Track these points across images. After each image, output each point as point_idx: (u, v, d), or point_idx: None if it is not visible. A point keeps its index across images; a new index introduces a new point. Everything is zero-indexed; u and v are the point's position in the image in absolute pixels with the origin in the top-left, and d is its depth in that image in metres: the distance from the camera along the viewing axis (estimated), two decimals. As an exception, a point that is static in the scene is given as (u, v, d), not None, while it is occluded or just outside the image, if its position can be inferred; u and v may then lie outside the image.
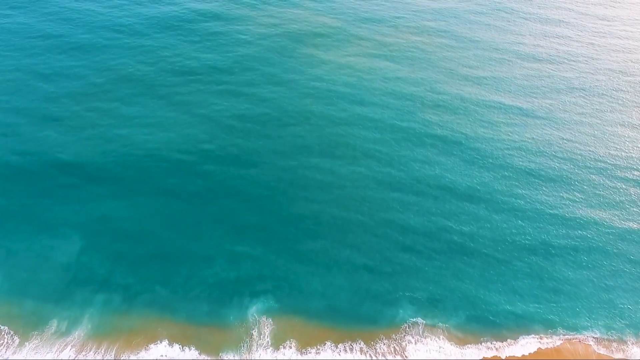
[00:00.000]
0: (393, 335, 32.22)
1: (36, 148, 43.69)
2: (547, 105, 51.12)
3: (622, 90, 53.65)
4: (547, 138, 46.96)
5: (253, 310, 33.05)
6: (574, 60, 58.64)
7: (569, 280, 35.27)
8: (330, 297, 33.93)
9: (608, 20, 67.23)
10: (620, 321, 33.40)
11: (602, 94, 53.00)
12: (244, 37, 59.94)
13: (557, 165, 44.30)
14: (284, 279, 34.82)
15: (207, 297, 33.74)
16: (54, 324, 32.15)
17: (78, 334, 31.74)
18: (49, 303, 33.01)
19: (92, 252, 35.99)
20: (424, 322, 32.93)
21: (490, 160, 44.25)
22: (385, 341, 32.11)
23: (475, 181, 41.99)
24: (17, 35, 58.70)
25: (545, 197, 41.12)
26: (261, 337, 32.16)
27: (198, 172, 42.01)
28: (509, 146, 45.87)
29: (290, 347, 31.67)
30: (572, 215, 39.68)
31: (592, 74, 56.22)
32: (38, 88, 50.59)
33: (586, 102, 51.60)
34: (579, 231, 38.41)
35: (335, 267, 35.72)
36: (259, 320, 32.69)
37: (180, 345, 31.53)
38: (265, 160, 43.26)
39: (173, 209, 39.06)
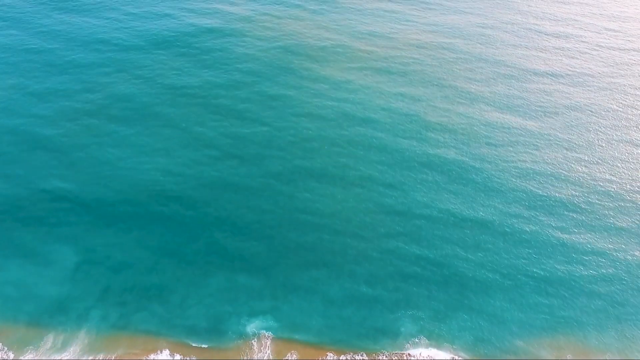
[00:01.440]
0: (396, 353, 32.10)
1: (23, 170, 43.47)
2: (555, 123, 50.76)
3: (633, 107, 53.27)
4: (557, 158, 46.63)
5: (252, 327, 32.94)
6: (587, 75, 58.33)
7: (579, 306, 35.09)
8: (331, 316, 33.76)
9: (615, 31, 67.38)
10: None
11: (616, 112, 52.37)
12: (240, 51, 59.90)
13: (567, 190, 44.01)
14: (283, 300, 34.60)
15: (204, 315, 33.63)
16: (49, 339, 32.00)
17: (74, 349, 31.56)
18: (44, 319, 32.79)
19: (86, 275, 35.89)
20: (428, 341, 32.75)
21: (495, 182, 44.12)
22: (387, 354, 32.06)
23: (481, 204, 41.86)
24: (9, 50, 58.60)
25: (555, 222, 40.89)
26: (262, 349, 32.14)
27: (192, 195, 41.65)
28: (516, 167, 45.69)
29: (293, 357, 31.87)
30: (582, 241, 39.41)
31: (603, 90, 55.87)
32: (27, 105, 50.48)
33: (596, 120, 51.22)
34: (590, 257, 38.04)
35: (336, 287, 35.48)
36: (258, 335, 32.56)
37: (181, 357, 31.62)
38: (262, 180, 43.04)
39: (167, 231, 38.78)
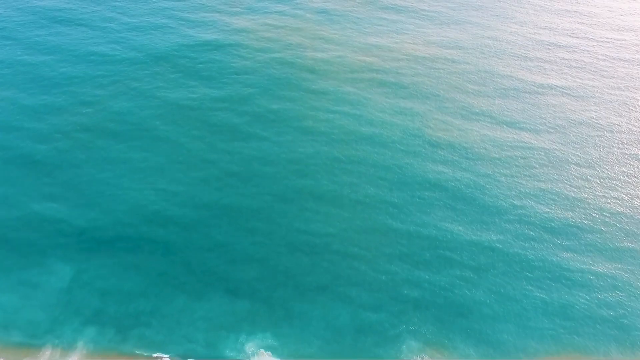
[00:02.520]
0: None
1: (14, 188, 42.99)
2: (560, 138, 50.44)
3: None
4: (562, 175, 46.27)
5: (251, 345, 32.69)
6: (592, 87, 58.07)
7: (585, 330, 34.71)
8: (332, 332, 33.50)
9: (619, 41, 67.22)
10: None
11: (623, 126, 51.96)
12: (239, 63, 59.66)
13: (574, 208, 43.61)
14: (283, 315, 34.32)
15: (202, 332, 33.34)
16: (47, 352, 31.99)
17: (71, 362, 31.71)
18: (40, 332, 32.74)
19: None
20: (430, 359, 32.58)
21: (499, 200, 43.85)
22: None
23: (485, 223, 41.60)
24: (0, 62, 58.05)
25: (561, 242, 40.43)
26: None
27: (187, 215, 41.25)
28: (520, 184, 45.53)
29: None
30: (589, 263, 38.95)
31: (609, 102, 55.63)
32: (19, 118, 49.98)
33: (602, 134, 50.83)
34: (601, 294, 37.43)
35: (338, 302, 35.19)
36: (257, 352, 32.36)
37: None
38: (260, 198, 42.64)
39: (162, 252, 38.57)
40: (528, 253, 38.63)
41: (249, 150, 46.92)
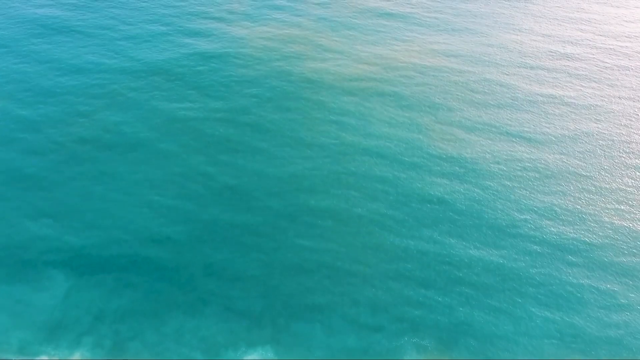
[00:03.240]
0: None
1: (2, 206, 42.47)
2: (565, 149, 50.03)
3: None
4: (568, 188, 45.75)
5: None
6: (597, 97, 57.62)
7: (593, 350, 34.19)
8: (333, 350, 32.95)
9: (624, 49, 67.03)
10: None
11: (629, 136, 51.56)
12: (236, 74, 59.43)
13: (581, 224, 43.13)
14: (283, 333, 33.85)
15: (200, 350, 32.84)
16: None
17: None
18: (31, 351, 32.29)
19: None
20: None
21: (504, 216, 43.31)
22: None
23: (488, 239, 41.17)
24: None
25: (568, 259, 39.97)
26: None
27: (184, 231, 41.24)
28: (525, 198, 45.05)
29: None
30: (596, 281, 38.45)
31: (614, 113, 55.18)
32: (10, 130, 49.56)
33: (608, 144, 50.40)
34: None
35: (338, 320, 34.70)
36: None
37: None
38: (261, 207, 42.38)
39: (158, 273, 38.00)
40: (532, 269, 38.06)
41: (248, 162, 46.46)
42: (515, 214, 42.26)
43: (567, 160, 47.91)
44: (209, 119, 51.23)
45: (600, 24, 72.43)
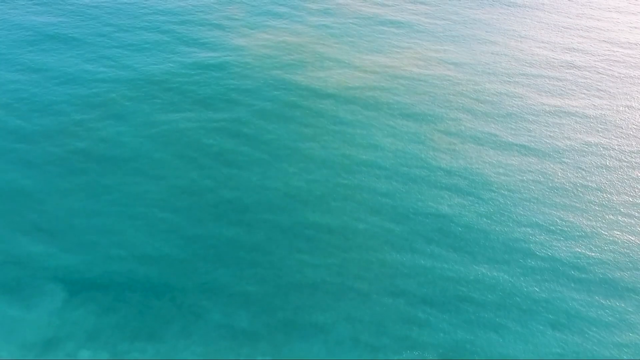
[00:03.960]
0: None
1: None
2: (571, 162, 49.43)
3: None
4: (576, 205, 45.24)
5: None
6: (604, 109, 57.19)
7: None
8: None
9: (630, 56, 66.60)
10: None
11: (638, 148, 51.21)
12: (234, 84, 59.06)
13: (589, 245, 42.59)
14: (282, 347, 33.37)
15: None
16: None
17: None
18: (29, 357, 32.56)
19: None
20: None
21: (506, 234, 42.72)
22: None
23: (494, 253, 40.70)
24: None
25: (575, 284, 39.44)
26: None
27: (178, 257, 40.49)
28: (531, 214, 44.39)
29: None
30: (607, 309, 37.88)
31: (621, 125, 54.76)
32: (7, 144, 49.23)
33: (615, 155, 50.01)
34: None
35: (338, 337, 34.12)
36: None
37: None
38: (259, 220, 41.88)
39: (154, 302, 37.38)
40: (537, 285, 37.45)
41: (246, 174, 45.95)
42: (520, 228, 41.70)
43: (573, 172, 47.37)
44: (207, 129, 50.80)
45: (606, 31, 72.06)
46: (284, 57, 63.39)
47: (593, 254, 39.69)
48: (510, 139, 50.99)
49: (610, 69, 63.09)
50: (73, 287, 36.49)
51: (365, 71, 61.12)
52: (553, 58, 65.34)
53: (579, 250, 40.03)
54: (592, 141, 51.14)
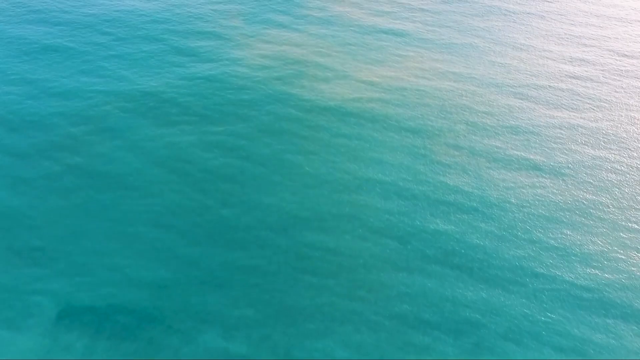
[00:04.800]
0: None
1: None
2: (581, 177, 48.64)
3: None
4: (584, 223, 44.31)
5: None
6: (610, 121, 56.44)
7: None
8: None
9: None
10: None
11: None
12: (236, 95, 58.34)
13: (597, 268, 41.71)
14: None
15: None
16: None
17: None
18: None
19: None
20: None
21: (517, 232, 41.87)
22: None
23: (499, 272, 39.83)
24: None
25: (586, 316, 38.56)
26: None
27: (182, 270, 39.76)
28: (539, 234, 43.47)
29: None
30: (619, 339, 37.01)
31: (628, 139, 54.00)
32: None
33: (632, 176, 49.27)
34: None
35: (339, 350, 33.44)
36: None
37: None
38: (257, 238, 41.03)
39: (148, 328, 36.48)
40: (546, 309, 36.50)
41: (244, 192, 45.11)
42: (527, 246, 40.77)
43: (581, 187, 46.47)
44: (204, 143, 50.00)
45: (612, 41, 71.36)
46: (283, 67, 62.67)
47: (604, 275, 38.74)
48: (514, 153, 50.15)
49: (617, 80, 62.32)
50: (64, 310, 35.65)
51: (366, 82, 60.39)
52: (557, 68, 64.61)
53: (590, 270, 39.08)
54: (600, 155, 50.29)
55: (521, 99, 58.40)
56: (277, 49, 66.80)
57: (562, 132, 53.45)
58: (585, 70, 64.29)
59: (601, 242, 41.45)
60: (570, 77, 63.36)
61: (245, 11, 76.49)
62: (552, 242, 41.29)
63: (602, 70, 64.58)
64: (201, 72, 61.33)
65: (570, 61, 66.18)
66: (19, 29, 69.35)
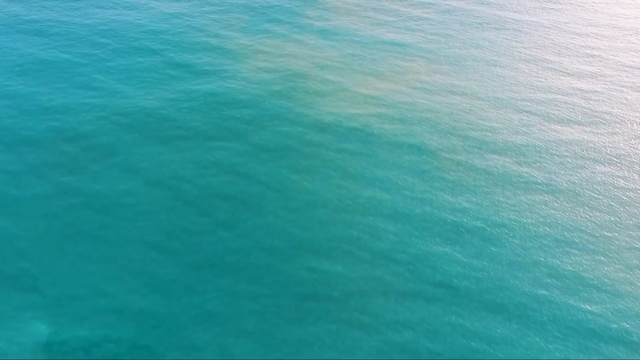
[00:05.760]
0: None
1: None
2: (589, 193, 47.60)
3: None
4: (595, 246, 43.30)
5: None
6: (616, 134, 55.53)
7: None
8: None
9: None
10: None
11: None
12: (235, 109, 57.44)
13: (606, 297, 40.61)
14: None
15: None
16: None
17: None
18: None
19: None
20: None
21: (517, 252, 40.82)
22: None
23: (508, 300, 38.65)
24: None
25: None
26: None
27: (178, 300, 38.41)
28: (547, 254, 42.38)
29: None
30: None
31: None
32: None
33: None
34: None
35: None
36: None
37: None
38: (256, 247, 40.09)
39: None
40: (560, 345, 35.19)
41: (243, 210, 44.02)
42: (534, 271, 39.48)
43: (590, 208, 45.33)
44: (201, 162, 48.91)
45: (621, 53, 70.51)
46: (282, 81, 61.80)
47: (616, 300, 37.59)
48: (520, 169, 49.14)
49: (625, 93, 61.40)
50: (52, 337, 34.43)
51: (367, 96, 59.53)
52: (564, 81, 63.69)
53: (601, 295, 37.93)
54: (608, 171, 49.29)
55: (526, 113, 57.38)
56: (276, 60, 65.88)
57: (569, 147, 52.37)
58: (593, 83, 63.28)
59: (613, 264, 40.31)
60: (576, 89, 62.31)
61: (244, 19, 75.77)
62: (561, 264, 40.12)
63: (610, 83, 63.61)
64: (198, 85, 60.34)
65: (576, 73, 65.20)
66: (11, 39, 68.50)
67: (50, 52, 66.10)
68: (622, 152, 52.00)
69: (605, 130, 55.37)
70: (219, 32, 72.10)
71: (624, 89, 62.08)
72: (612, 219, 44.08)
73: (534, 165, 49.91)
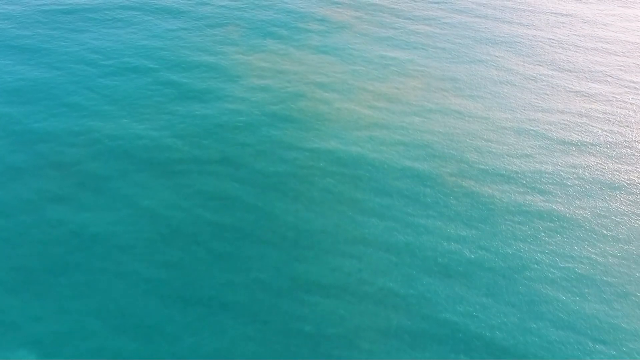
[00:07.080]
0: None
1: None
2: (595, 209, 46.37)
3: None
4: (606, 263, 42.01)
5: None
6: (625, 148, 54.37)
7: None
8: None
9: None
10: None
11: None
12: (233, 122, 56.71)
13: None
14: None
15: None
16: None
17: None
18: None
19: None
20: None
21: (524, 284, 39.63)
22: None
23: (512, 316, 37.44)
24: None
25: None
26: None
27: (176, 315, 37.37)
28: (552, 269, 41.30)
29: None
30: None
31: None
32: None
33: None
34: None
35: None
36: None
37: None
38: (252, 280, 38.95)
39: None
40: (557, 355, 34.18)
41: (239, 223, 43.41)
42: (540, 288, 38.32)
43: (601, 222, 44.02)
44: (200, 172, 47.91)
45: (627, 58, 69.41)
46: (279, 101, 60.86)
47: (617, 319, 36.21)
48: (530, 185, 48.06)
49: (636, 112, 60.22)
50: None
51: (368, 108, 58.70)
52: (573, 91, 62.59)
53: (605, 311, 36.52)
54: (616, 184, 48.01)
55: (534, 124, 56.18)
56: (274, 77, 64.81)
57: (580, 171, 51.05)
58: (604, 94, 62.09)
59: (612, 279, 38.94)
60: (585, 108, 61.09)
61: (242, 30, 75.21)
62: (578, 307, 38.83)
63: (620, 96, 62.40)
64: (193, 105, 59.21)
65: (584, 91, 64.08)
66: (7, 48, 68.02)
67: (39, 71, 65.46)
68: (636, 179, 50.79)
69: (615, 153, 54.10)
70: (215, 48, 71.31)
71: (635, 107, 60.89)
72: (631, 248, 42.81)
73: (540, 191, 48.62)
